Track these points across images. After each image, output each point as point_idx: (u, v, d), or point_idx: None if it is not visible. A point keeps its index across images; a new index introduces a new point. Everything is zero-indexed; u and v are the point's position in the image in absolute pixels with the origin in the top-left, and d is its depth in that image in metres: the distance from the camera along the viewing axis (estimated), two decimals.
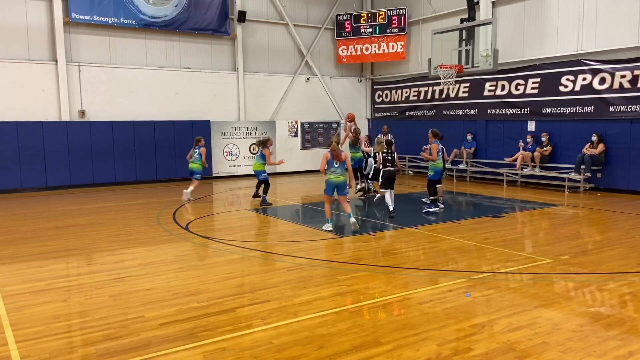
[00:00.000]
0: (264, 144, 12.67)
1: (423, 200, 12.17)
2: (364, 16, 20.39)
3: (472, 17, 15.08)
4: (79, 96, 16.24)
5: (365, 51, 20.62)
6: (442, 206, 11.39)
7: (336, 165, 9.16)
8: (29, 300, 5.78)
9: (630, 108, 13.17)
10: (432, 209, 11.00)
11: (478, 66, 14.16)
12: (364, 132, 21.14)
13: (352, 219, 9.27)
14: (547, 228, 9.77)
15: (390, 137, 17.13)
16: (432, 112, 19.08)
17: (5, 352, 4.44)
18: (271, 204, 12.46)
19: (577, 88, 14.32)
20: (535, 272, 6.69)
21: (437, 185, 11.20)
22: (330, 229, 9.33)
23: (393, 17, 19.86)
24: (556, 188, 14.57)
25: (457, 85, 17.60)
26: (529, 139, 15.37)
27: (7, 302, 5.71)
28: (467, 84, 17.52)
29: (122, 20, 16.46)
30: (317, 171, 15.95)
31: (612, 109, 13.54)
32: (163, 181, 17.20)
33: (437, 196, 11.22)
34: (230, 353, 4.36)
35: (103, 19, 16.18)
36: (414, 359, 4.20)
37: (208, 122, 18.05)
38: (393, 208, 10.66)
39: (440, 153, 11.07)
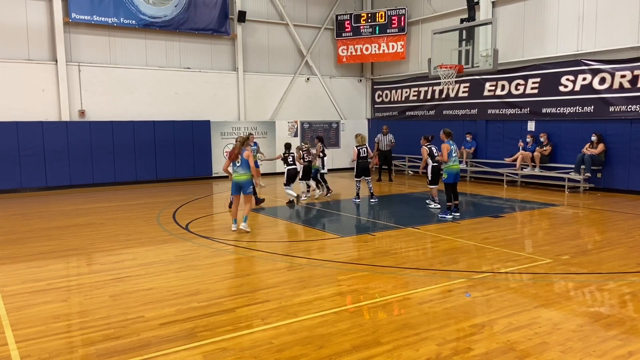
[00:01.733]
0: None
1: (427, 202, 11.94)
2: (364, 16, 20.38)
3: (472, 17, 15.08)
4: (78, 96, 16.24)
5: (365, 51, 20.62)
6: (439, 206, 11.25)
7: (238, 165, 9.14)
8: (29, 300, 5.78)
9: (630, 108, 13.16)
10: (447, 217, 10.25)
11: (478, 66, 14.16)
12: (364, 132, 21.22)
13: (243, 224, 9.18)
14: (547, 228, 9.77)
15: (390, 137, 17.17)
16: (432, 112, 19.07)
17: (5, 352, 4.44)
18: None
19: (577, 88, 14.32)
20: (535, 272, 6.69)
21: (432, 187, 11.21)
22: (235, 229, 9.27)
23: (393, 17, 19.86)
24: (556, 188, 14.56)
25: (457, 85, 17.59)
26: (528, 139, 15.36)
27: (7, 302, 5.71)
28: (467, 84, 17.52)
29: (122, 20, 16.46)
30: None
31: (612, 109, 13.54)
32: (163, 181, 17.20)
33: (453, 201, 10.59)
34: (230, 353, 4.36)
35: (103, 19, 16.17)
36: (414, 359, 4.20)
37: (208, 122, 18.05)
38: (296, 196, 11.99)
39: (454, 154, 10.39)
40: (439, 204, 11.42)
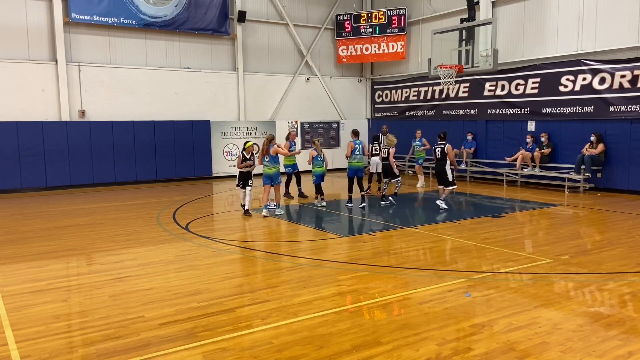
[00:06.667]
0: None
1: (437, 202, 11.70)
2: (364, 16, 20.38)
3: (472, 17, 15.07)
4: (79, 96, 16.24)
5: (365, 51, 20.62)
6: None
7: (266, 160, 10.77)
8: (29, 300, 5.78)
9: (630, 108, 13.17)
10: (349, 205, 11.80)
11: (478, 66, 14.16)
12: (364, 131, 21.19)
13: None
14: (547, 228, 9.77)
15: (390, 137, 17.13)
16: (432, 112, 19.07)
17: (5, 352, 4.45)
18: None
19: (577, 88, 14.32)
20: (535, 272, 6.69)
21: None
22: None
23: (393, 17, 19.86)
24: (556, 188, 14.56)
25: (457, 85, 17.59)
26: (528, 139, 15.36)
27: (7, 302, 5.71)
28: (467, 84, 17.52)
29: (122, 20, 16.46)
30: None
31: (612, 109, 13.54)
32: (163, 181, 17.20)
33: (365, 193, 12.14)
34: (230, 353, 4.36)
35: (103, 19, 16.17)
36: (414, 359, 4.21)
37: (208, 122, 18.05)
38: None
39: (357, 152, 11.53)
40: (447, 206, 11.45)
